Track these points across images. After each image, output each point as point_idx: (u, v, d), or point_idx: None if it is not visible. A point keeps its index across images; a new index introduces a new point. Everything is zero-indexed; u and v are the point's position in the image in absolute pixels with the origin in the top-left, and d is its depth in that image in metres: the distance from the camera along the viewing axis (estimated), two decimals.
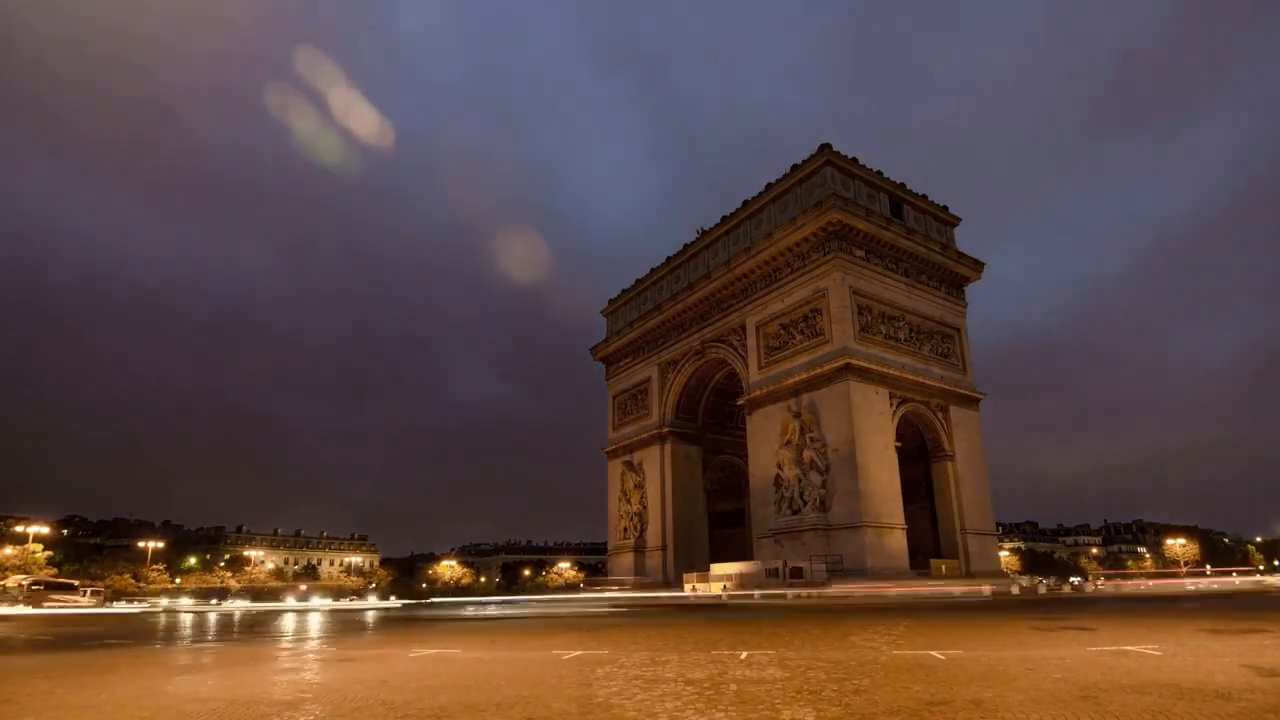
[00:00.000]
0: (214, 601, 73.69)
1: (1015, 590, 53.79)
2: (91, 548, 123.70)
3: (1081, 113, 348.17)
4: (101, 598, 63.50)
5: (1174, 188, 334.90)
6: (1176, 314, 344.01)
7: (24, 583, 60.03)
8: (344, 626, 28.53)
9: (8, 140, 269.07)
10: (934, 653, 12.31)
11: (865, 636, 16.05)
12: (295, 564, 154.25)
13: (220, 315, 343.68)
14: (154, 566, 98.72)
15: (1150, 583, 77.88)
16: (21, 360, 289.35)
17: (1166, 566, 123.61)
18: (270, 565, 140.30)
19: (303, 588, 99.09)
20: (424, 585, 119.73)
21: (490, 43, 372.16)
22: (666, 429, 77.80)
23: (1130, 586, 72.26)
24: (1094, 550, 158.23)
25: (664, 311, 78.48)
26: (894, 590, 45.47)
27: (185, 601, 73.96)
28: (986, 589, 48.73)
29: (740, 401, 66.46)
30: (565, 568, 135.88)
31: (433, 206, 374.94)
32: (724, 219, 72.17)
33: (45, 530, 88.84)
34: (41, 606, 53.10)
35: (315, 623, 31.92)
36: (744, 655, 12.58)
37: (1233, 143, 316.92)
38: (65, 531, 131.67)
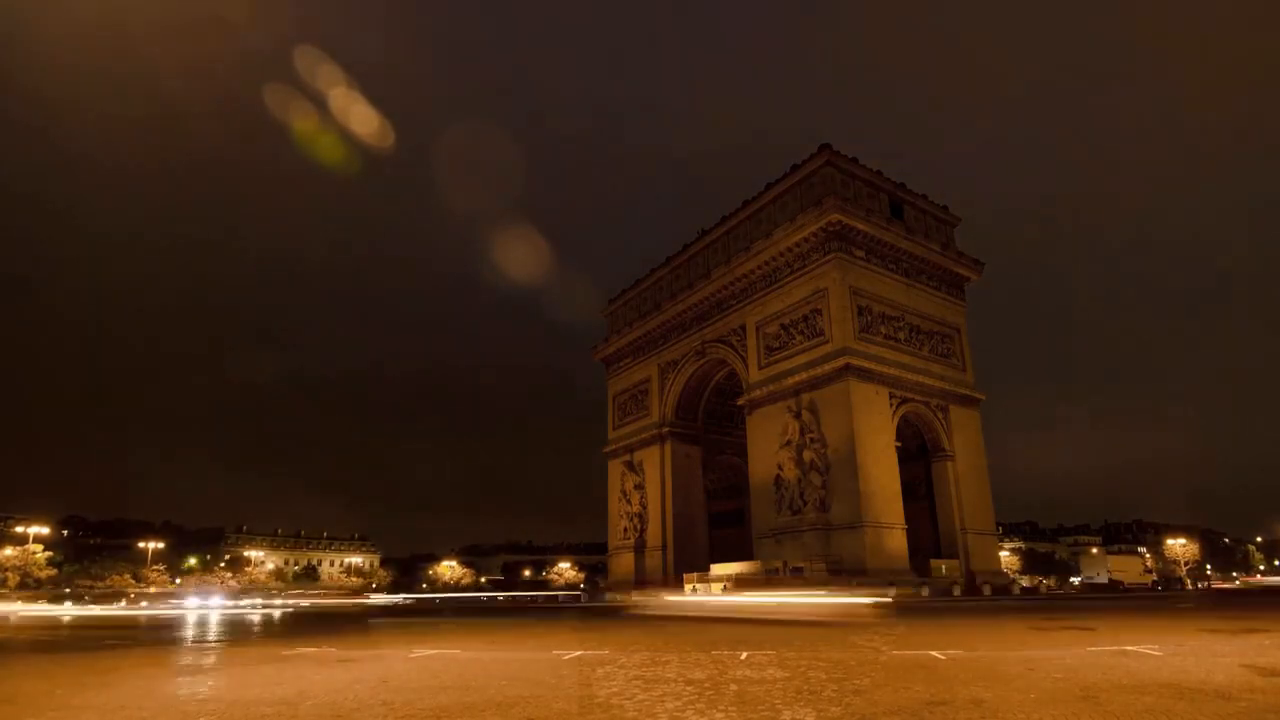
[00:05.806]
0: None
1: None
2: (91, 548, 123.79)
3: None
4: None
5: None
6: None
7: None
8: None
9: (8, 133, 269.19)
10: (934, 653, 12.30)
11: (865, 636, 16.06)
12: (296, 564, 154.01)
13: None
14: (154, 567, 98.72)
15: None
16: (20, 360, 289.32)
17: (1168, 566, 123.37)
18: (270, 565, 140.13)
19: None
20: (424, 585, 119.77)
21: None
22: (666, 429, 77.72)
23: None
24: (1094, 550, 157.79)
25: (664, 311, 78.39)
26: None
27: None
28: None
29: (740, 401, 66.41)
30: (565, 568, 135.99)
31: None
32: (724, 219, 72.07)
33: (45, 530, 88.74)
34: None
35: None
36: (744, 655, 12.57)
37: None
38: (65, 531, 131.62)
